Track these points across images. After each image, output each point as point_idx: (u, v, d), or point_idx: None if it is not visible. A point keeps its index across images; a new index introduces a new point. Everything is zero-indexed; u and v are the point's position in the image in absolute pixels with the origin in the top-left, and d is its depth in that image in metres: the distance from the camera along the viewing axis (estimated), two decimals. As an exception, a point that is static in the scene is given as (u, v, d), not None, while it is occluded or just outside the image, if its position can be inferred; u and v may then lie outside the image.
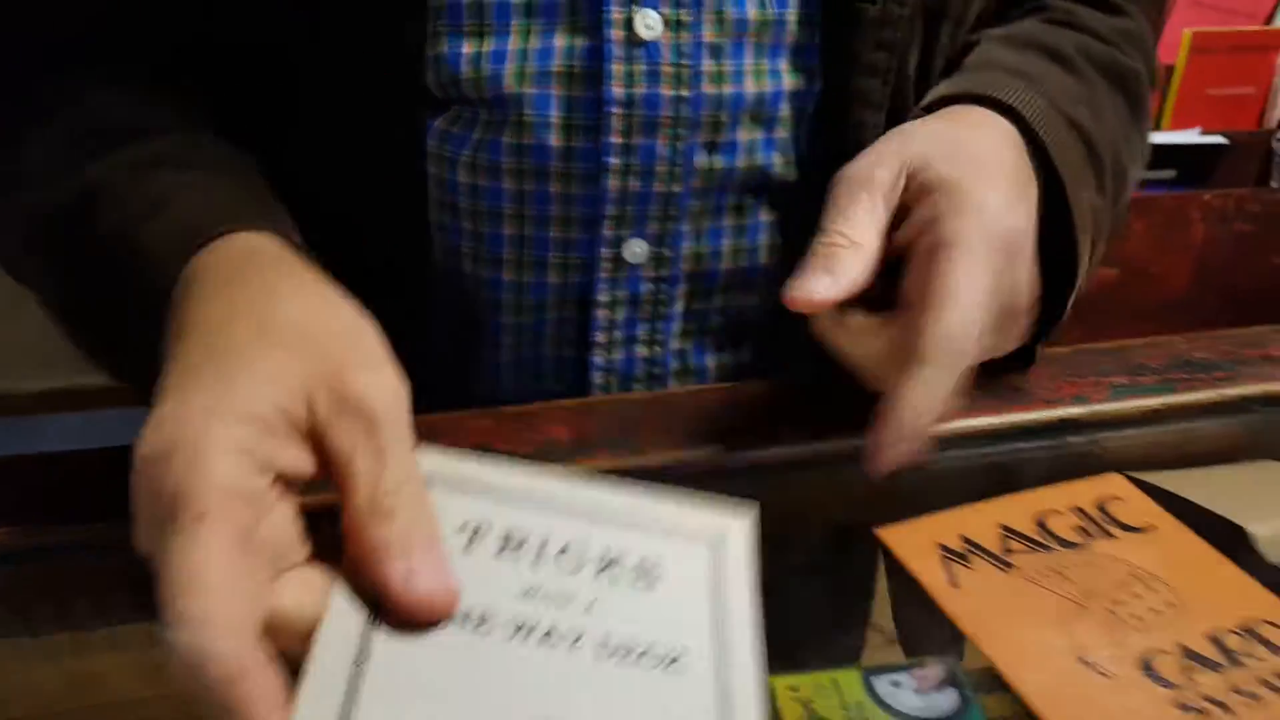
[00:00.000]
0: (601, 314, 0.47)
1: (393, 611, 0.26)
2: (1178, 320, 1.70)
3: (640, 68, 0.43)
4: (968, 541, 0.37)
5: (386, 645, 0.26)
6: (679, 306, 0.48)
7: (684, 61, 0.43)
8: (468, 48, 0.42)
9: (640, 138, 0.44)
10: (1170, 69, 1.59)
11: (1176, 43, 1.58)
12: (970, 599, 0.35)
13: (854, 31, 0.44)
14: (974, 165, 0.38)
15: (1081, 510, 0.39)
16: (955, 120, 0.42)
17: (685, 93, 0.43)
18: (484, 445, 0.42)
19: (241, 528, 0.24)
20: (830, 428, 0.42)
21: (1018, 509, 0.39)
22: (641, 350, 0.49)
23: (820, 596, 0.41)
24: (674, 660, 0.28)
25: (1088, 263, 0.44)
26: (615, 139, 0.43)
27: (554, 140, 0.43)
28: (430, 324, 0.48)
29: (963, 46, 0.49)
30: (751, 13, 0.44)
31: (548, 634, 0.27)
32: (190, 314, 0.31)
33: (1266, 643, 0.33)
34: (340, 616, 0.26)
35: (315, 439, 0.27)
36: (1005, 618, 0.33)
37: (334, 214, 0.42)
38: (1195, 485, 0.42)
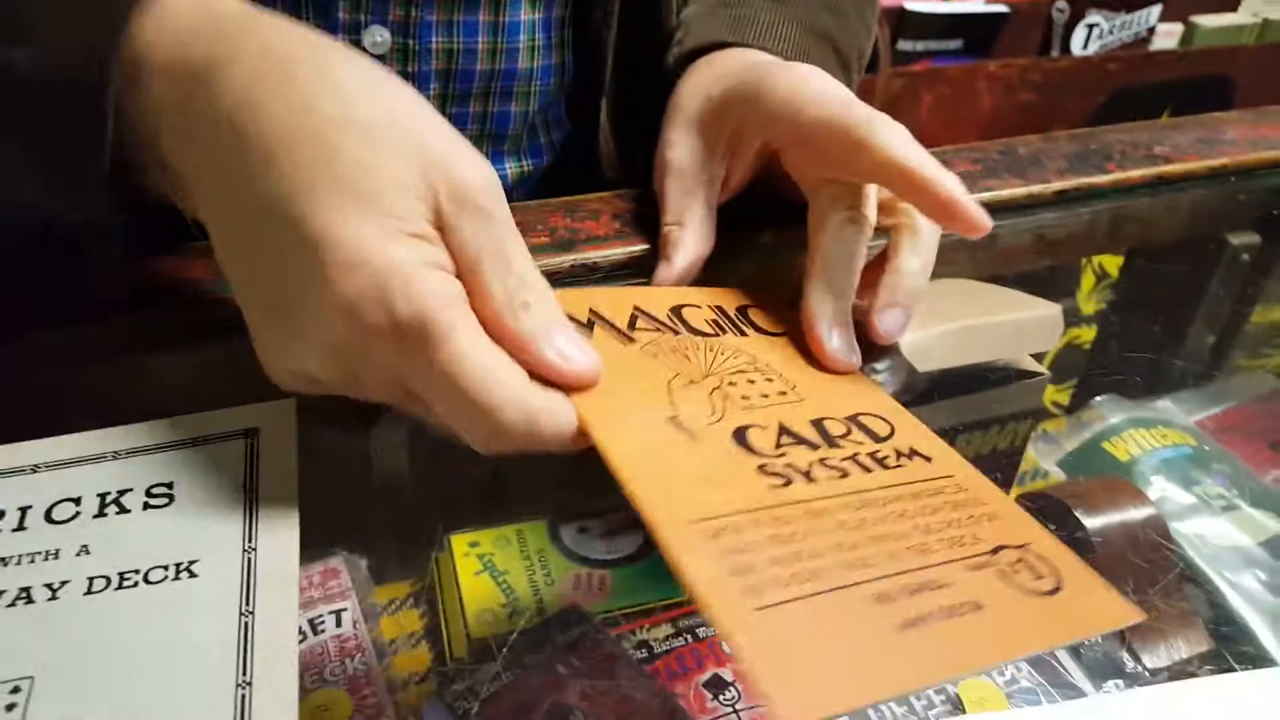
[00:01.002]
0: None
1: (555, 385, 0.27)
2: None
3: None
4: (594, 313, 0.34)
5: None
6: None
7: None
8: None
9: None
10: (956, -62, 1.60)
11: (962, -89, 1.58)
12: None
13: None
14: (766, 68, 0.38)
15: (721, 309, 0.37)
16: (718, 67, 0.41)
17: None
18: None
19: (474, 322, 0.26)
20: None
21: (657, 297, 0.36)
22: None
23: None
24: (190, 565, 0.28)
25: None
26: None
27: None
28: None
29: None
30: None
31: (23, 593, 0.27)
32: (245, 114, 0.27)
33: (867, 430, 0.32)
34: None
35: (444, 236, 0.27)
36: (609, 382, 0.30)
37: None
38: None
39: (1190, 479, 0.38)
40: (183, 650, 0.26)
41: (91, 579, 0.27)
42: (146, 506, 0.29)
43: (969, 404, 0.38)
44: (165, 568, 0.28)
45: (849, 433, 0.31)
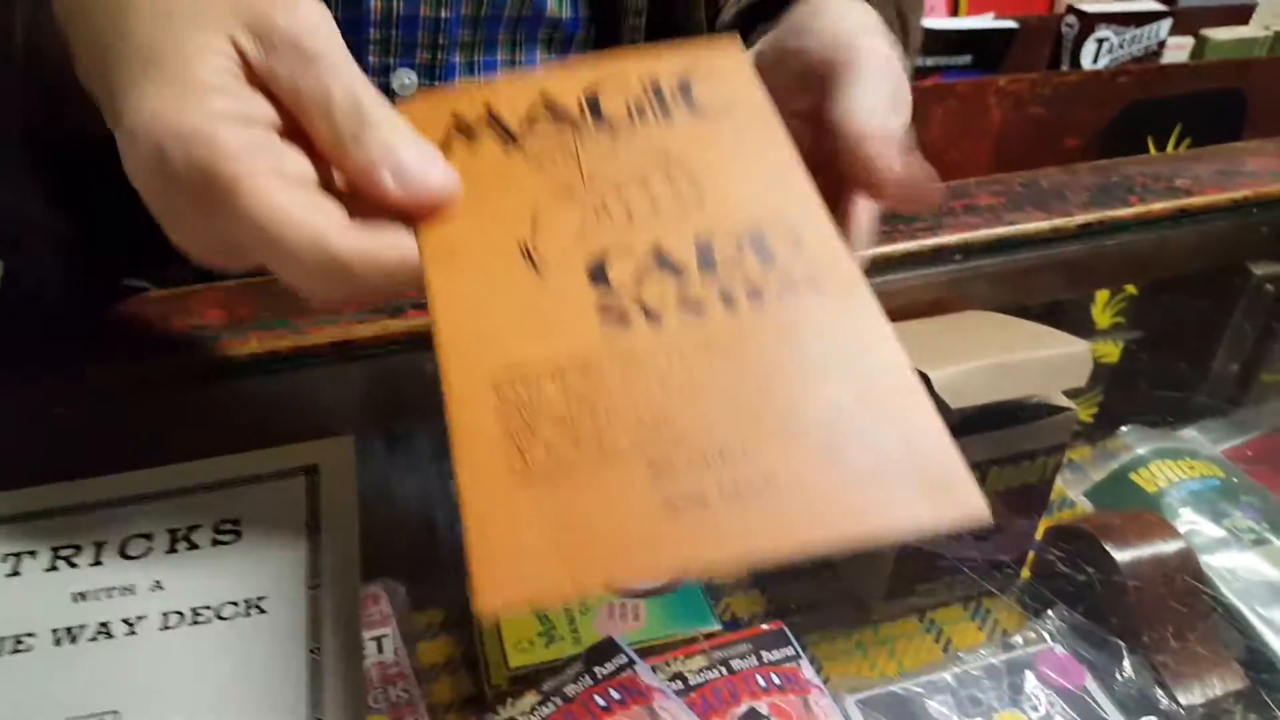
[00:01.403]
0: None
1: (405, 216, 0.26)
2: (979, 204, 1.77)
3: None
4: (491, 114, 0.30)
5: None
6: None
7: None
8: None
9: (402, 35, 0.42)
10: (965, -46, 1.61)
11: (971, -73, 1.60)
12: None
13: None
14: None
15: (658, 87, 0.31)
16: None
17: None
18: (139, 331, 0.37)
19: (272, 169, 0.25)
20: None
21: (576, 80, 0.32)
22: None
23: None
24: (259, 601, 0.29)
25: None
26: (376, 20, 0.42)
27: None
28: None
29: None
30: None
31: (102, 628, 0.28)
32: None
33: (764, 251, 0.27)
34: None
35: (262, 87, 0.27)
36: (470, 200, 0.28)
37: None
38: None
39: (1219, 511, 0.39)
40: (256, 686, 0.27)
41: (166, 614, 0.28)
42: (215, 542, 0.30)
43: (999, 439, 0.39)
44: (236, 604, 0.29)
45: (737, 253, 0.27)
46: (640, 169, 0.29)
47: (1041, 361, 0.39)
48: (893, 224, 0.45)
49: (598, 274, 0.27)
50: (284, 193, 0.25)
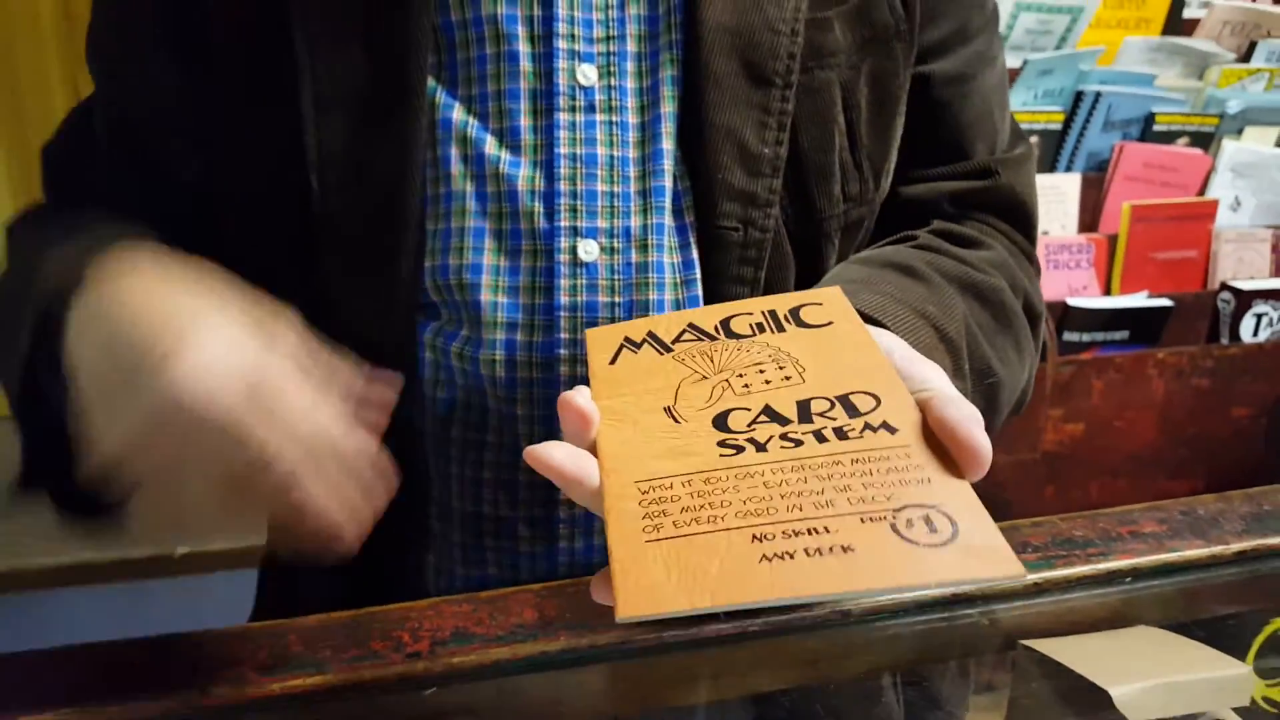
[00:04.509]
0: None
1: None
2: (1147, 470, 1.77)
3: (583, 282, 0.53)
4: (651, 334, 0.43)
5: None
6: None
7: (617, 277, 0.54)
8: (453, 261, 0.53)
9: (584, 334, 0.53)
10: (1114, 238, 1.73)
11: (1117, 215, 1.72)
12: (616, 371, 0.42)
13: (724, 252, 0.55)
14: None
15: (774, 314, 0.43)
16: None
17: (618, 299, 0.54)
18: (461, 629, 0.49)
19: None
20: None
21: (714, 313, 0.44)
22: None
23: None
24: None
25: None
26: (564, 335, 0.54)
27: (518, 336, 0.54)
28: (417, 463, 0.57)
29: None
30: (667, 240, 0.55)
31: None
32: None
33: (850, 406, 0.36)
34: None
35: None
36: (632, 382, 0.40)
37: None
38: (1072, 649, 0.49)
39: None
40: None
41: None
42: None
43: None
44: None
45: (830, 409, 0.36)
46: (757, 360, 0.40)
47: (1210, 681, 0.46)
48: (1070, 549, 0.53)
49: (720, 423, 0.37)
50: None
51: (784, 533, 0.31)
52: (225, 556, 2.07)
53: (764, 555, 0.31)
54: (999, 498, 0.54)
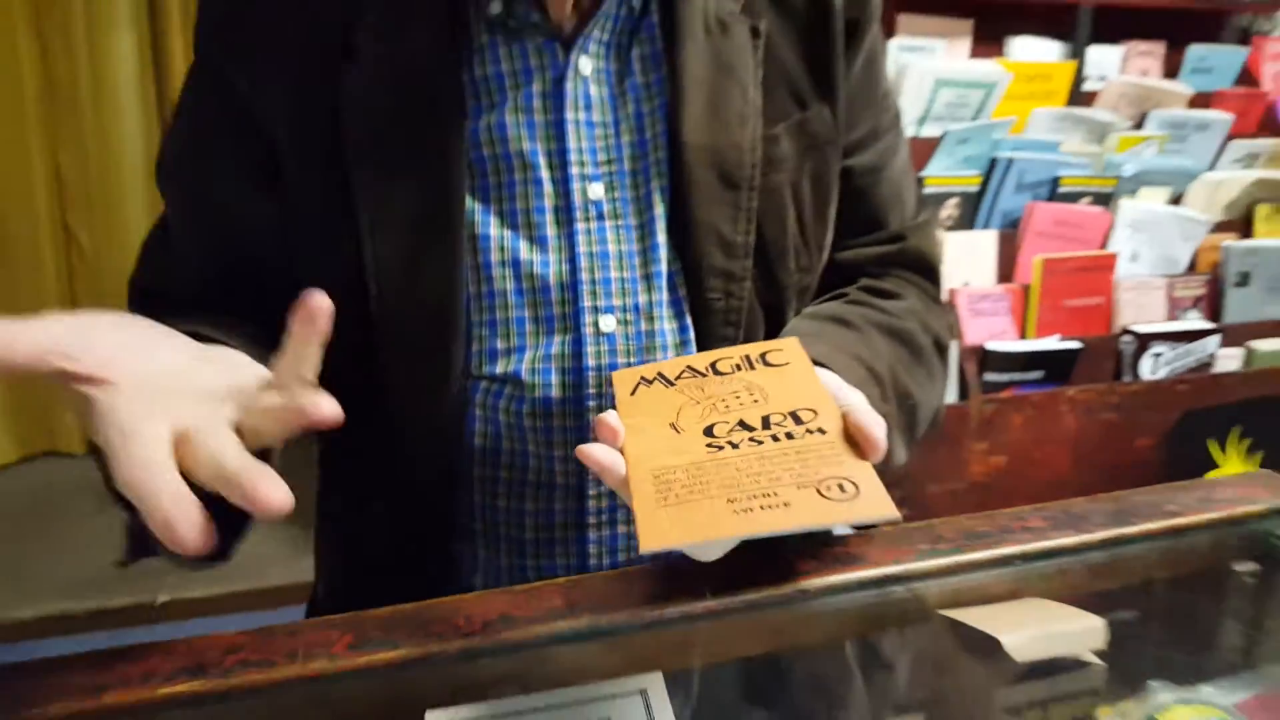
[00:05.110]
0: (592, 502, 0.71)
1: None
2: (1062, 496, 1.95)
3: (604, 348, 0.68)
4: (660, 374, 0.60)
5: None
6: None
7: (631, 342, 0.69)
8: (500, 344, 0.67)
9: (608, 388, 0.68)
10: (1028, 288, 1.92)
11: (1030, 267, 1.92)
12: (635, 399, 0.59)
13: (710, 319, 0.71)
14: None
15: (748, 357, 0.60)
16: None
17: (633, 359, 0.69)
18: (505, 615, 0.62)
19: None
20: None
21: (705, 358, 0.61)
22: (622, 528, 0.72)
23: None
24: None
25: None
26: (591, 390, 0.69)
27: (555, 394, 0.68)
28: (463, 501, 0.71)
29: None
30: (666, 311, 0.70)
31: None
32: None
33: (797, 418, 0.54)
34: None
35: None
36: (649, 406, 0.57)
37: (391, 442, 0.67)
38: (976, 614, 0.64)
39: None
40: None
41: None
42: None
43: (1041, 686, 0.60)
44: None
45: (784, 420, 0.53)
46: (735, 390, 0.57)
47: (1074, 633, 0.61)
48: (974, 539, 0.68)
49: (708, 432, 0.54)
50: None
51: (748, 496, 0.48)
52: (205, 603, 2.13)
53: (734, 510, 0.47)
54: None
